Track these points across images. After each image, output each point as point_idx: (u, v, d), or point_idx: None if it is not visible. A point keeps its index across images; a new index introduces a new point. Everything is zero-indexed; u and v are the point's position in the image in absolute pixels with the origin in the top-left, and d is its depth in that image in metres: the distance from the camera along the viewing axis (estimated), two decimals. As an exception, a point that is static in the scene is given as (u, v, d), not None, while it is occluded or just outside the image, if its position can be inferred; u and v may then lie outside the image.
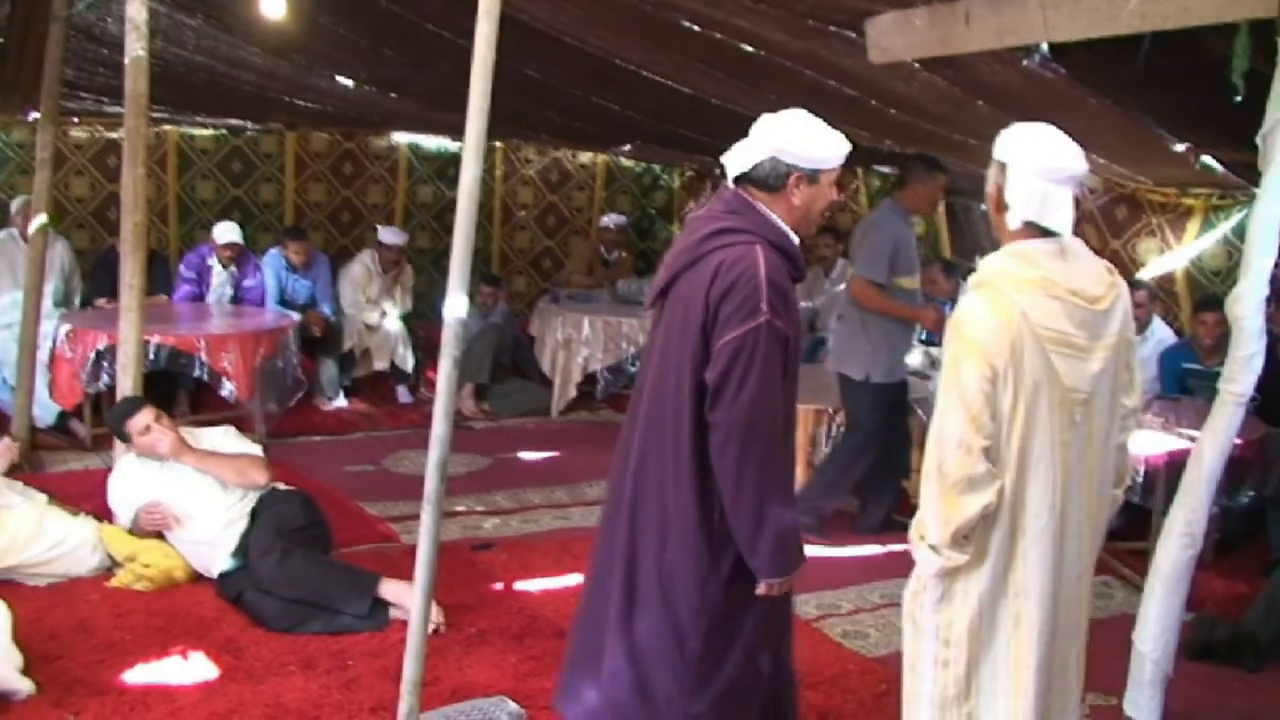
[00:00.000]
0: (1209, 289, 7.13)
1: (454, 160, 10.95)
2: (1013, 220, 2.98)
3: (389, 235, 9.28)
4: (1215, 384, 6.55)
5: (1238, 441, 4.09)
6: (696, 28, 5.43)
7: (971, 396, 2.86)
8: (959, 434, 2.87)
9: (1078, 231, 3.15)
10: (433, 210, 11.09)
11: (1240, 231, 6.97)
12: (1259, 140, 3.48)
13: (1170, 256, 7.42)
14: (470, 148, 2.67)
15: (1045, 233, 2.99)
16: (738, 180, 3.20)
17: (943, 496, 2.89)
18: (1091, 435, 3.04)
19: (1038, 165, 2.98)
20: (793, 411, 3.25)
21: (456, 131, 10.37)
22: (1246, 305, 3.55)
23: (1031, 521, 2.98)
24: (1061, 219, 2.98)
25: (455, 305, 2.76)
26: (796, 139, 3.14)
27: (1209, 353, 6.55)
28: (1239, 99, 4.52)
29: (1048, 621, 3.04)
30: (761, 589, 3.16)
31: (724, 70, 6.24)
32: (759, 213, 3.15)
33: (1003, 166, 3.02)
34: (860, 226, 6.57)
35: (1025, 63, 4.92)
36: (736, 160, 3.18)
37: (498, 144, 11.05)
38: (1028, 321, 2.89)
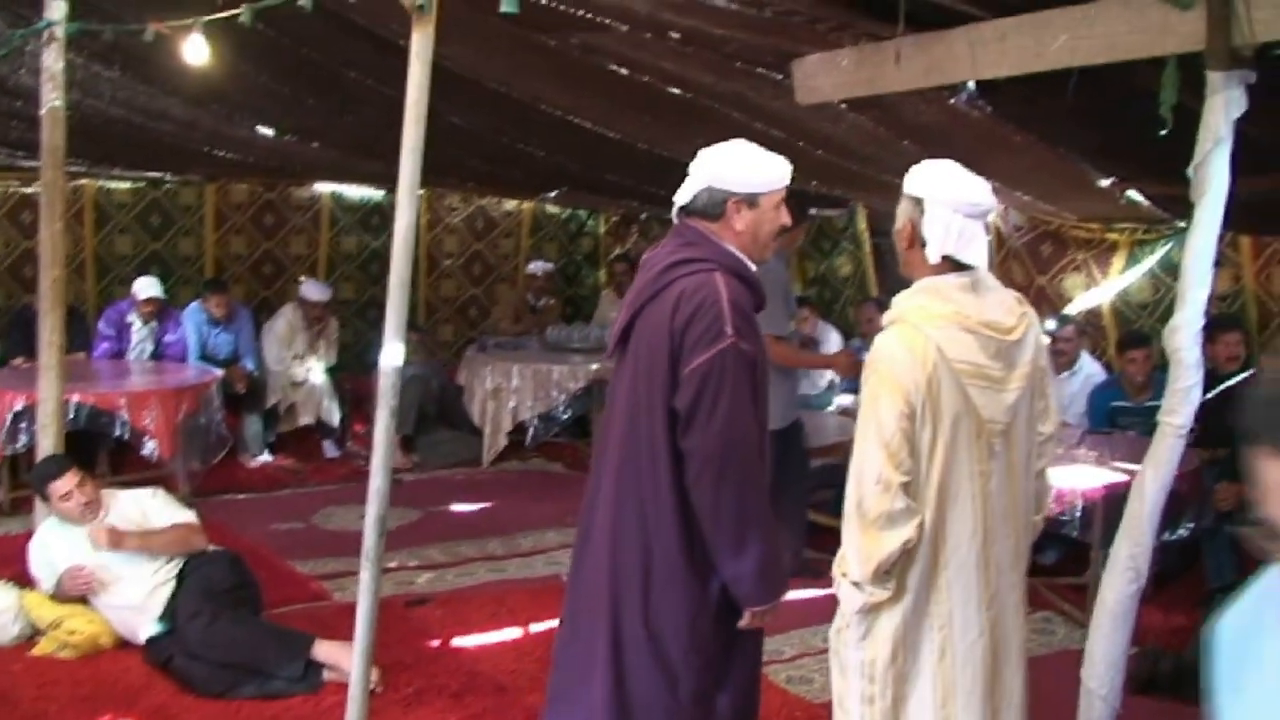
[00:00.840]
0: (1136, 323, 7.19)
1: (377, 209, 10.85)
2: (932, 254, 2.99)
3: (313, 291, 9.11)
4: (1147, 420, 6.64)
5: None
6: (624, 71, 5.41)
7: (889, 433, 2.87)
8: (877, 470, 2.88)
9: (1004, 268, 3.19)
10: (357, 260, 10.95)
11: (1166, 265, 7.05)
12: (1190, 172, 3.50)
13: (1096, 291, 7.48)
14: (404, 190, 2.60)
15: (957, 266, 3.02)
16: (683, 215, 3.21)
17: (863, 533, 2.90)
18: (1012, 465, 3.08)
19: (954, 200, 3.00)
20: (764, 437, 3.20)
21: (380, 180, 10.31)
22: (1184, 337, 3.56)
23: (952, 554, 3.01)
24: (977, 252, 3.02)
25: (392, 354, 2.67)
26: (729, 165, 3.15)
27: (1138, 389, 6.59)
28: (1164, 132, 4.57)
29: (974, 650, 3.06)
30: (745, 619, 3.13)
31: (651, 114, 6.24)
32: (714, 242, 3.14)
33: (918, 202, 3.03)
34: None
35: (952, 101, 4.95)
36: (679, 196, 3.19)
37: (421, 192, 10.91)
38: (943, 356, 2.91)
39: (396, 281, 2.66)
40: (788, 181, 3.22)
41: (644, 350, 3.11)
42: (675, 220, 3.23)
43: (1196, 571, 6.02)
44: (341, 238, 10.88)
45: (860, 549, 2.91)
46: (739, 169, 3.16)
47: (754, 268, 3.20)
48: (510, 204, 11.59)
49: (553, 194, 10.74)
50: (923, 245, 3.01)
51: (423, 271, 11.21)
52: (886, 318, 3.05)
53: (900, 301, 3.05)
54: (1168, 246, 7.03)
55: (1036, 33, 3.95)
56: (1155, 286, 7.18)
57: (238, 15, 3.83)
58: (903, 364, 2.90)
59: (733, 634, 3.17)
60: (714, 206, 3.15)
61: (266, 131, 7.95)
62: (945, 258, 2.99)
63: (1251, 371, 6.13)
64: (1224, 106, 3.41)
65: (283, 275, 10.63)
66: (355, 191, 10.83)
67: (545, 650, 5.10)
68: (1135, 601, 3.78)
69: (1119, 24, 3.69)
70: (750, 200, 3.15)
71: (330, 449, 9.06)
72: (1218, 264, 6.48)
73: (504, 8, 2.77)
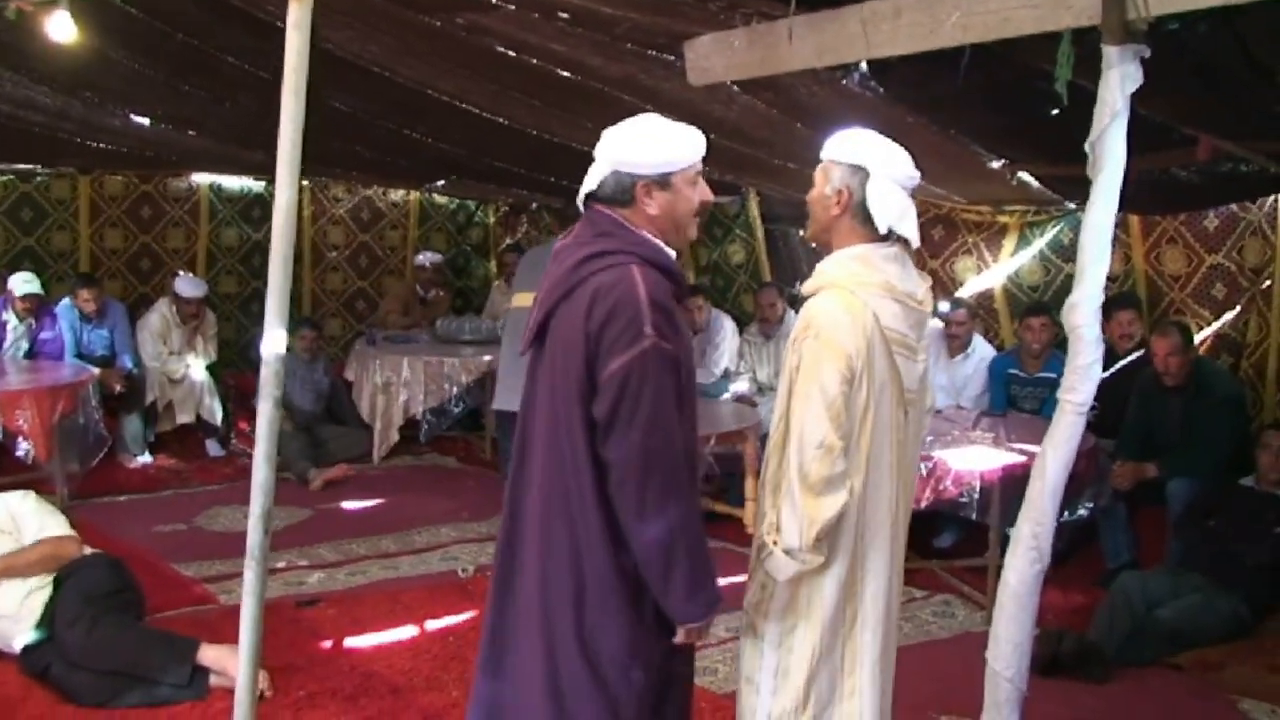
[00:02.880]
0: (1028, 304, 7.24)
1: (258, 200, 10.56)
2: (880, 225, 3.03)
3: (186, 287, 8.82)
4: (1035, 390, 6.72)
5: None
6: (512, 53, 5.28)
7: (831, 396, 2.87)
8: (821, 434, 2.86)
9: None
10: (238, 253, 10.61)
11: (1055, 246, 7.12)
12: (1088, 148, 3.47)
13: (988, 274, 7.53)
14: (283, 165, 2.46)
15: (880, 237, 3.06)
16: (591, 203, 2.97)
17: (804, 497, 2.87)
18: (912, 436, 3.15)
19: (899, 174, 3.06)
20: (693, 443, 2.99)
21: (260, 170, 10.02)
22: (1083, 313, 3.54)
23: (874, 523, 3.03)
24: (911, 227, 3.08)
25: (274, 341, 2.52)
26: (632, 146, 2.90)
27: (1034, 358, 6.66)
28: (1056, 111, 4.56)
29: (883, 620, 3.09)
30: (680, 635, 2.93)
31: (540, 98, 6.10)
32: (631, 230, 2.91)
33: (860, 170, 3.05)
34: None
35: (845, 82, 4.90)
36: (586, 182, 2.97)
37: (305, 183, 10.64)
38: (878, 323, 2.95)
39: (277, 263, 2.51)
40: (702, 154, 2.97)
41: (559, 353, 2.88)
42: (582, 209, 2.99)
43: (1093, 551, 6.07)
44: (221, 230, 10.52)
45: (804, 514, 2.87)
46: (645, 148, 2.90)
47: (673, 254, 2.99)
48: (397, 194, 11.36)
49: (440, 183, 10.53)
50: (861, 215, 3.04)
51: (307, 264, 10.94)
52: (812, 284, 3.06)
53: (830, 268, 3.06)
54: (1057, 228, 7.10)
55: (930, 10, 3.89)
56: (1045, 268, 7.25)
57: (103, -12, 3.62)
58: (844, 328, 2.92)
59: (672, 653, 2.98)
60: (622, 192, 2.91)
61: (141, 120, 7.66)
62: (888, 230, 3.04)
63: (1143, 352, 6.20)
64: (1120, 81, 3.39)
65: (161, 270, 10.24)
66: (235, 182, 10.47)
67: (441, 648, 5.01)
68: (1039, 582, 3.76)
69: (1013, -1, 3.65)
70: (661, 181, 2.90)
71: (213, 448, 8.80)
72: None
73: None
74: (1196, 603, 5.03)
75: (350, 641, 5.09)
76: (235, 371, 9.63)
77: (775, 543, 2.94)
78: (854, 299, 2.95)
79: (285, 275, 2.56)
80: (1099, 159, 3.48)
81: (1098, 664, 4.79)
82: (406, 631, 5.20)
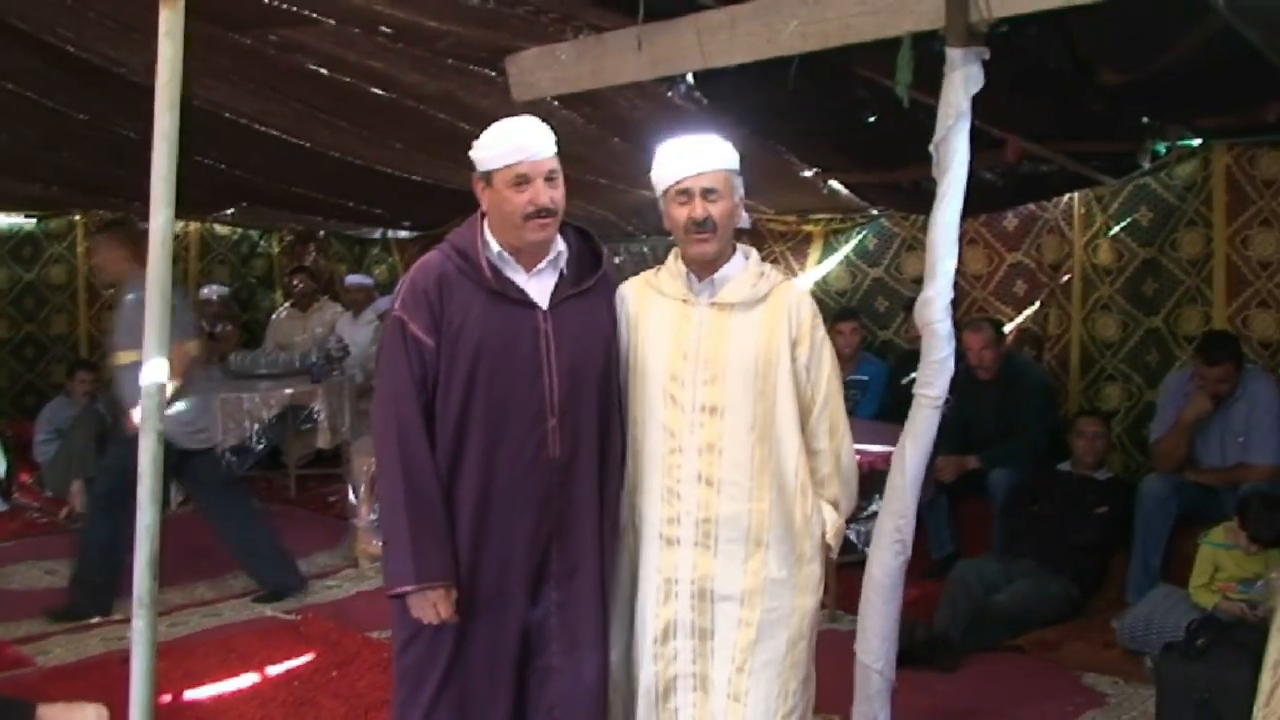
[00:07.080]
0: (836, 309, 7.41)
1: (29, 238, 9.95)
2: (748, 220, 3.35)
3: (-43, 333, 8.29)
4: (849, 394, 6.87)
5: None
6: (325, 71, 5.13)
7: None
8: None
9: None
10: (9, 295, 9.97)
11: (861, 251, 7.32)
12: (932, 149, 3.56)
13: (795, 282, 7.68)
14: (159, 180, 2.34)
15: None
16: None
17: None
18: None
19: None
20: (461, 432, 2.97)
21: (32, 205, 9.48)
22: (935, 309, 3.65)
23: None
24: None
25: (154, 370, 2.37)
26: (476, 147, 3.04)
27: (845, 360, 6.80)
28: (872, 119, 4.66)
29: None
30: None
31: (348, 118, 5.94)
32: (473, 222, 3.09)
33: (738, 173, 3.18)
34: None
35: (669, 94, 4.92)
36: None
37: (77, 217, 10.09)
38: None
39: (155, 286, 2.37)
40: (528, 155, 2.96)
41: None
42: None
43: (916, 544, 6.19)
44: (-13, 272, 9.93)
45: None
46: (478, 145, 3.04)
47: (496, 248, 3.02)
48: (177, 226, 10.79)
49: (230, 211, 10.10)
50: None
51: (83, 304, 10.36)
52: (769, 281, 3.14)
53: (764, 267, 3.22)
54: (861, 234, 7.30)
55: (767, 18, 3.94)
56: (852, 273, 7.43)
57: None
58: None
59: (437, 636, 2.99)
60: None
61: (-103, 156, 7.16)
62: None
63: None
64: (963, 83, 3.50)
65: (-76, 317, 9.59)
66: (3, 220, 9.88)
67: (288, 694, 4.79)
68: (902, 574, 3.85)
69: (852, 6, 3.72)
70: (486, 178, 3.01)
71: (-5, 502, 8.24)
72: (911, 249, 6.79)
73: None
74: (1029, 587, 5.21)
75: (190, 694, 4.80)
76: (11, 420, 9.05)
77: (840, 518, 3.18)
78: None
79: (164, 298, 2.42)
80: (944, 160, 3.57)
81: (947, 652, 4.90)
82: (247, 680, 4.94)
